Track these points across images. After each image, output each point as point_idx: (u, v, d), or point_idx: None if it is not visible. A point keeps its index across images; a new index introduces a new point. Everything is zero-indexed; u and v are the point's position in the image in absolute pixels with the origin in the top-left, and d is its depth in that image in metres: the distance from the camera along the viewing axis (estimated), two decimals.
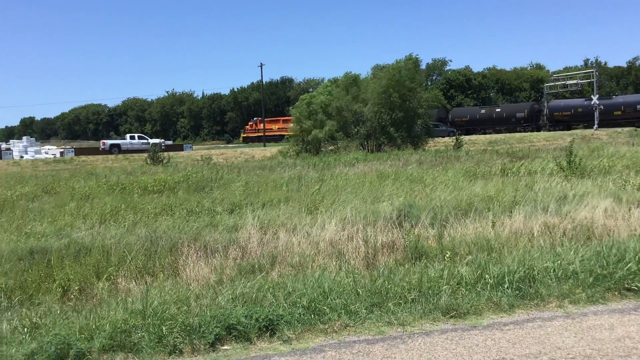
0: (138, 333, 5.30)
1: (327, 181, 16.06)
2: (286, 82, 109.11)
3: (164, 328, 5.32)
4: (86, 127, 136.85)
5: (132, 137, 55.24)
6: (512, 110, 63.80)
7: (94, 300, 6.57)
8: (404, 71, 37.31)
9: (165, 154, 34.81)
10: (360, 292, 6.27)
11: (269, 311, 5.69)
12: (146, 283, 6.89)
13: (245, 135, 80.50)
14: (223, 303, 6.03)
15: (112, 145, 52.36)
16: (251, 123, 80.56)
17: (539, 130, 58.34)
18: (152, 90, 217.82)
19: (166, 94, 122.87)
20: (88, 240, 8.60)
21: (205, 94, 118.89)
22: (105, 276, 7.13)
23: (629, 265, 6.56)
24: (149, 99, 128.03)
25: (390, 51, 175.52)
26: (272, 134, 72.81)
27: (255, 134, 76.52)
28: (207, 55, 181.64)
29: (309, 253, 8.08)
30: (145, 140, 52.68)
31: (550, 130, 56.14)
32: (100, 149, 52.45)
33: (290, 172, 19.67)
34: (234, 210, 11.68)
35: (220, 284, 6.83)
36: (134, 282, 7.12)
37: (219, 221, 10.27)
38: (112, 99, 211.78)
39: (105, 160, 39.91)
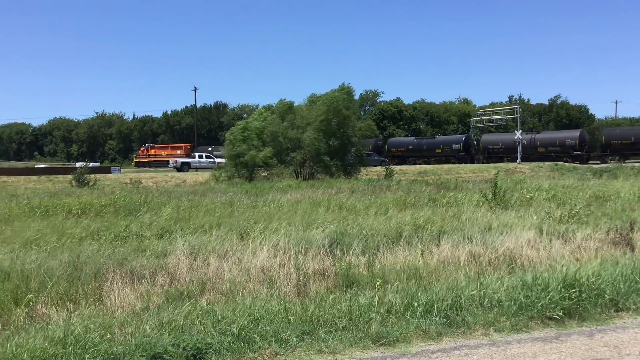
0: None
1: (260, 207, 15.97)
2: (220, 107, 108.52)
3: (86, 357, 5.09)
4: (9, 147, 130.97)
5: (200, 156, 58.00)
6: (449, 142, 66.17)
7: (12, 327, 6.22)
8: (340, 100, 37.88)
9: (92, 176, 33.64)
10: (292, 320, 6.23)
11: (197, 339, 5.55)
12: (68, 310, 6.59)
13: (137, 160, 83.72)
14: (149, 331, 5.85)
15: (183, 164, 54.92)
16: (142, 149, 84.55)
17: (472, 162, 60.68)
18: (80, 110, 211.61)
19: (95, 115, 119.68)
20: (7, 265, 8.17)
21: (136, 116, 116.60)
22: (24, 302, 6.78)
23: (551, 294, 6.81)
24: (77, 119, 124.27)
25: (323, 81, 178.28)
26: (161, 159, 76.32)
27: (146, 159, 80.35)
28: (139, 77, 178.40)
29: (240, 280, 7.98)
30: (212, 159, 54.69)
31: (483, 163, 58.61)
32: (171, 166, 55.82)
33: (223, 198, 19.44)
34: (163, 235, 11.41)
35: (146, 311, 6.63)
36: (54, 309, 6.80)
37: (147, 246, 10.00)
38: (37, 118, 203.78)
39: (27, 181, 38.21)
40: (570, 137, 57.53)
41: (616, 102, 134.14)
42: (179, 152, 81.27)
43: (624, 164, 44.92)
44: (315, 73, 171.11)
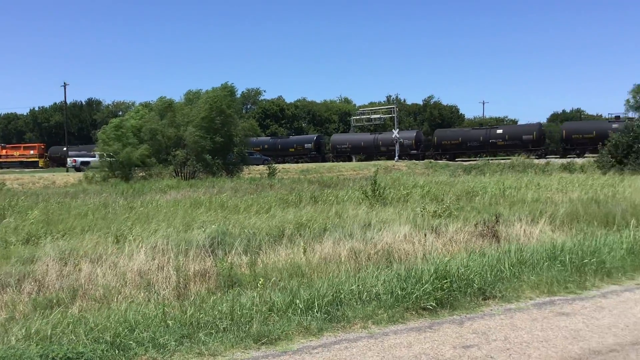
0: None
1: (138, 209, 15.40)
2: (93, 104, 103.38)
3: None
4: None
5: None
6: (301, 141, 69.79)
7: None
8: (222, 98, 37.40)
9: None
10: (170, 324, 6.04)
11: (68, 349, 5.23)
12: None
13: None
14: (14, 342, 5.44)
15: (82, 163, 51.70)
16: None
17: (324, 160, 64.16)
18: None
19: None
20: None
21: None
22: None
23: (425, 286, 7.11)
24: None
25: (205, 79, 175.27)
26: (13, 160, 75.86)
27: None
28: (6, 72, 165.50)
29: (115, 285, 7.63)
30: None
31: (333, 161, 62.54)
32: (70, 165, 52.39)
33: (96, 199, 18.54)
34: (29, 240, 10.69)
35: (11, 321, 6.17)
36: None
37: (12, 252, 9.32)
38: None
39: None
40: (407, 137, 63.26)
41: (483, 103, 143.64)
42: (32, 152, 79.42)
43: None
44: (195, 71, 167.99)
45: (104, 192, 22.11)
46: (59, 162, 78.54)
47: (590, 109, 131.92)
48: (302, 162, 61.38)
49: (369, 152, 64.54)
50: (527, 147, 56.74)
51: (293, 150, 67.22)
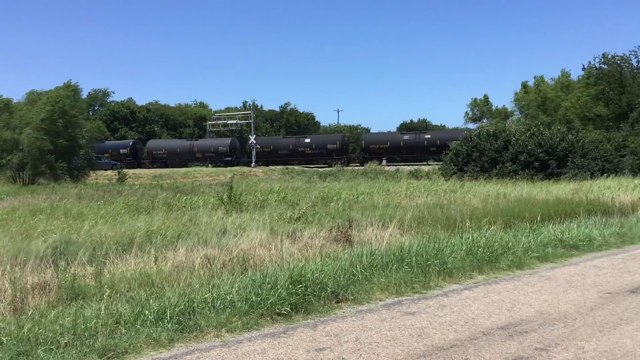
0: None
1: None
2: None
3: None
4: None
5: None
6: (117, 147, 69.66)
7: None
8: (65, 98, 35.12)
9: None
10: (4, 341, 5.52)
11: None
12: None
13: None
14: None
15: None
16: None
17: (140, 166, 64.00)
18: None
19: None
20: None
21: None
22: None
23: (280, 291, 7.12)
24: None
25: (48, 79, 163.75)
26: None
27: None
28: None
29: None
30: None
31: (149, 167, 63.02)
32: None
33: None
34: None
35: None
36: None
37: None
38: None
39: None
40: (223, 145, 66.13)
41: (338, 111, 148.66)
42: None
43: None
44: (37, 69, 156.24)
45: None
46: None
47: (435, 120, 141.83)
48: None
49: (185, 159, 65.84)
50: (332, 156, 61.15)
51: (108, 155, 64.95)
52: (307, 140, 63.54)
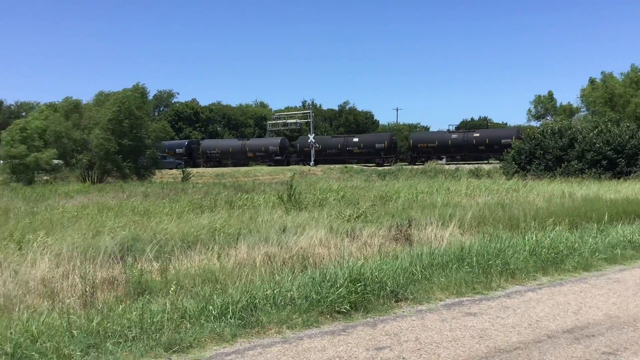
0: None
1: (42, 214, 14.64)
2: None
3: None
4: None
5: None
6: (172, 146, 70.08)
7: None
8: (132, 99, 36.30)
9: None
10: (76, 334, 5.76)
11: None
12: None
13: None
14: None
15: None
16: None
17: (195, 166, 64.51)
18: None
19: None
20: None
21: None
22: None
23: (340, 290, 7.16)
24: None
25: (116, 81, 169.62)
26: None
27: None
28: None
29: (16, 294, 7.19)
30: None
31: (203, 167, 63.60)
32: None
33: None
34: None
35: None
36: None
37: None
38: None
39: None
40: (273, 144, 66.85)
41: (397, 109, 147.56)
42: None
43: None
44: (105, 71, 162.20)
45: (4, 197, 20.88)
46: None
47: (496, 118, 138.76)
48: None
49: (237, 158, 67.25)
50: (380, 155, 60.37)
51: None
52: (356, 139, 63.51)
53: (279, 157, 65.04)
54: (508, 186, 24.05)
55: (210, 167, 62.94)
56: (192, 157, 69.25)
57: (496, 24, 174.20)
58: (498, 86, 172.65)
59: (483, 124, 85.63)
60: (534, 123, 58.69)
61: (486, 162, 54.16)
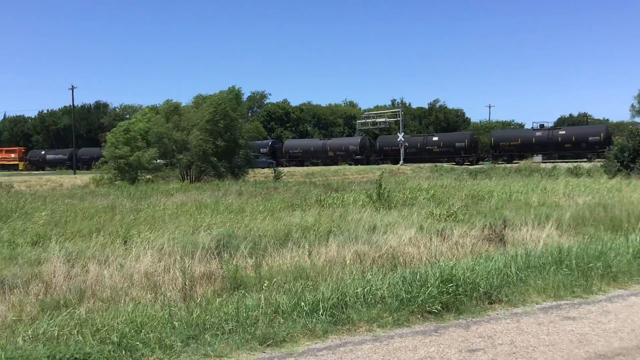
0: None
1: (144, 211, 15.45)
2: (101, 107, 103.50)
3: None
4: None
5: None
6: (257, 147, 69.92)
7: None
8: (227, 101, 37.52)
9: None
10: (176, 325, 6.07)
11: (75, 350, 5.25)
12: None
13: None
14: (22, 343, 5.47)
15: None
16: None
17: (278, 165, 64.52)
18: None
19: None
20: None
21: (7, 116, 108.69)
22: None
23: (430, 289, 7.11)
24: None
25: (211, 82, 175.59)
26: None
27: None
28: (10, 73, 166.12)
29: (122, 286, 7.66)
30: None
31: (285, 166, 63.84)
32: None
33: (104, 201, 18.60)
34: (37, 242, 10.73)
35: (19, 323, 6.20)
36: None
37: (19, 254, 9.36)
38: None
39: None
40: (353, 143, 67.01)
41: (490, 106, 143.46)
42: (12, 155, 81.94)
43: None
44: (202, 74, 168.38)
45: (111, 195, 22.19)
46: (37, 166, 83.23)
47: (597, 113, 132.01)
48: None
49: (318, 157, 68.26)
50: (460, 154, 58.42)
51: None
52: (435, 138, 62.50)
53: (359, 157, 65.48)
54: (610, 185, 22.83)
55: (293, 166, 64.12)
56: (275, 157, 70.64)
57: (599, 16, 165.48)
58: (599, 81, 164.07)
59: (582, 120, 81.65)
60: (638, 119, 55.28)
61: (591, 160, 51.65)
